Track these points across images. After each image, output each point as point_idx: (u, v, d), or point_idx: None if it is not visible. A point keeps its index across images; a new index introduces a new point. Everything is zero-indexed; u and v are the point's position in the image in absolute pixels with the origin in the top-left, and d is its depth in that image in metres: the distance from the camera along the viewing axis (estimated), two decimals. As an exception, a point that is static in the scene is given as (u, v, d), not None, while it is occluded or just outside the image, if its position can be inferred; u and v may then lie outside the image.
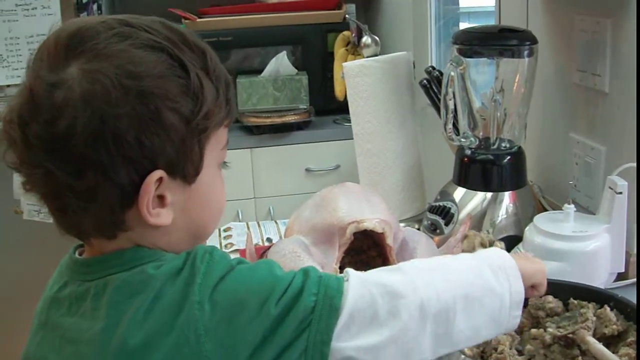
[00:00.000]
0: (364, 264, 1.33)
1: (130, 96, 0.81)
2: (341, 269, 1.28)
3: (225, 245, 1.77)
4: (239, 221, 3.07)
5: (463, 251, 1.29)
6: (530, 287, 1.04)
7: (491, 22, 2.17)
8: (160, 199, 0.86)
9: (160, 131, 0.82)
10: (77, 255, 0.93)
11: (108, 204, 0.83)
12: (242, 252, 1.69)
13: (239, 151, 3.07)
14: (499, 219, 1.54)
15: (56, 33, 0.86)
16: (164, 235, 0.88)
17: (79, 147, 0.80)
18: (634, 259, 1.43)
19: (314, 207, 1.37)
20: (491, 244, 1.33)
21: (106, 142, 0.80)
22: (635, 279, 1.42)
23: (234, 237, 1.82)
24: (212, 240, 1.81)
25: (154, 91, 0.82)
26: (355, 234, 1.27)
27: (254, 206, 3.14)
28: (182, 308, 0.81)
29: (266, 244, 1.77)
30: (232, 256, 1.66)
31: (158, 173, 0.83)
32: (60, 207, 0.86)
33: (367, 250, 1.34)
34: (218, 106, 0.88)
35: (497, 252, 1.00)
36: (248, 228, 1.87)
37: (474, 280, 0.92)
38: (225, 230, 1.88)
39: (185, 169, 0.86)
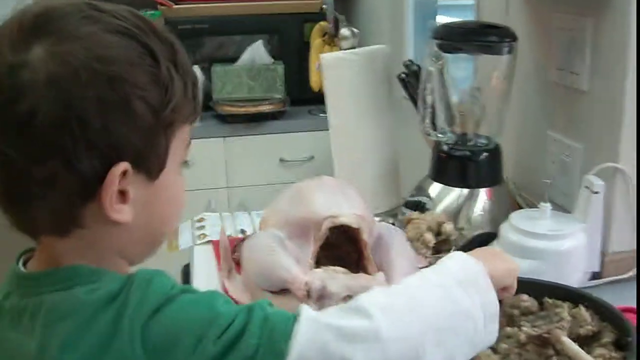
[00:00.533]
0: (339, 259, 1.32)
1: (100, 80, 0.77)
2: (317, 263, 1.27)
3: (198, 236, 1.74)
4: (211, 211, 3.05)
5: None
6: (501, 289, 1.01)
7: (468, 15, 2.16)
8: (122, 195, 0.81)
9: (128, 119, 0.79)
10: (21, 264, 0.89)
11: (67, 195, 0.79)
12: (216, 242, 1.67)
13: (213, 140, 3.05)
14: (475, 215, 1.54)
15: (20, 12, 0.82)
16: (121, 234, 0.84)
17: (41, 130, 0.76)
18: (608, 258, 1.43)
19: (290, 200, 1.35)
20: (439, 230, 1.27)
21: (71, 127, 0.76)
22: (608, 279, 1.42)
23: (207, 227, 1.80)
24: (185, 231, 1.79)
25: (124, 77, 0.78)
26: (331, 228, 1.26)
27: (227, 195, 3.12)
28: (112, 340, 0.76)
29: (239, 235, 1.75)
30: (205, 247, 1.67)
31: (123, 165, 0.79)
32: (15, 197, 0.81)
33: (343, 245, 1.33)
34: (185, 101, 0.85)
35: (464, 261, 0.95)
36: (222, 219, 1.85)
37: (443, 308, 0.87)
38: (198, 221, 1.86)
39: (150, 163, 0.83)
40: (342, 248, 1.33)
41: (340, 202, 1.28)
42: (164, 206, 0.88)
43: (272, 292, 1.23)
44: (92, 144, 0.77)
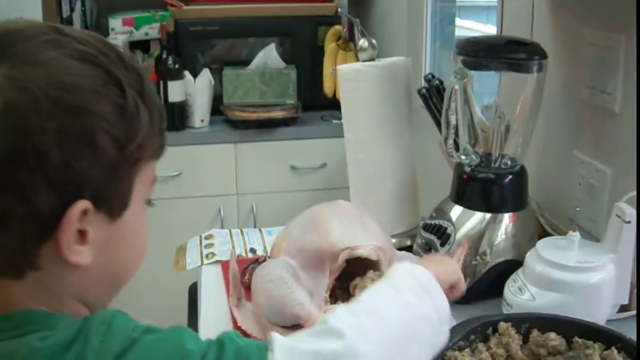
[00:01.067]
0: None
1: (61, 109, 0.71)
2: (331, 295, 1.20)
3: (207, 255, 1.67)
4: (221, 218, 3.00)
5: None
6: (449, 289, 1.08)
7: (489, 18, 2.08)
8: (82, 235, 0.76)
9: (91, 154, 0.73)
10: None
11: (21, 235, 0.73)
12: (225, 263, 1.60)
13: (223, 145, 3.00)
14: (498, 240, 1.46)
15: None
16: (78, 277, 0.78)
17: None
18: (636, 289, 1.36)
19: (304, 226, 1.28)
20: None
21: (27, 160, 0.70)
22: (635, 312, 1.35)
23: (216, 246, 1.72)
24: (193, 249, 1.72)
25: (88, 107, 0.73)
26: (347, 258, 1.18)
27: (236, 203, 3.06)
28: None
29: (250, 255, 1.68)
30: (214, 268, 1.59)
31: (83, 203, 0.73)
32: None
33: (360, 275, 1.25)
34: (152, 136, 0.80)
35: (411, 271, 0.98)
36: (231, 236, 1.77)
37: (404, 316, 0.90)
38: (206, 238, 1.78)
39: (113, 201, 0.77)
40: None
41: (358, 231, 1.21)
42: (125, 248, 0.83)
43: (284, 327, 1.16)
44: (50, 180, 0.71)
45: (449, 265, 1.12)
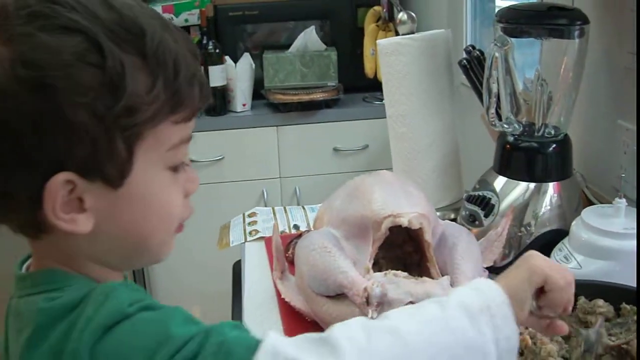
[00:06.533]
0: (399, 260, 1.24)
1: (25, 89, 0.70)
2: (375, 265, 1.19)
3: (250, 232, 1.68)
4: (264, 201, 3.01)
5: None
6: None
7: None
8: (80, 202, 0.75)
9: (66, 131, 0.71)
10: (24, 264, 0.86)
11: (19, 204, 0.75)
12: (268, 239, 1.61)
13: (265, 129, 3.01)
14: (543, 211, 1.44)
15: None
16: (88, 243, 0.79)
17: None
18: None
19: (346, 197, 1.27)
20: None
21: (4, 141, 0.71)
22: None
23: (259, 223, 1.73)
24: (236, 227, 1.73)
25: (56, 84, 0.70)
26: (391, 228, 1.17)
27: (280, 186, 3.07)
28: (61, 357, 0.71)
29: (293, 231, 1.68)
30: (257, 244, 1.60)
31: (63, 175, 0.73)
32: None
33: (403, 244, 1.25)
34: (152, 98, 0.74)
35: (480, 286, 0.82)
36: (274, 214, 1.78)
37: (440, 346, 0.75)
38: (249, 216, 1.79)
39: (105, 170, 0.75)
40: (403, 248, 1.25)
41: (401, 199, 1.20)
42: (140, 214, 0.80)
43: (327, 296, 1.16)
44: (27, 160, 0.72)
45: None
